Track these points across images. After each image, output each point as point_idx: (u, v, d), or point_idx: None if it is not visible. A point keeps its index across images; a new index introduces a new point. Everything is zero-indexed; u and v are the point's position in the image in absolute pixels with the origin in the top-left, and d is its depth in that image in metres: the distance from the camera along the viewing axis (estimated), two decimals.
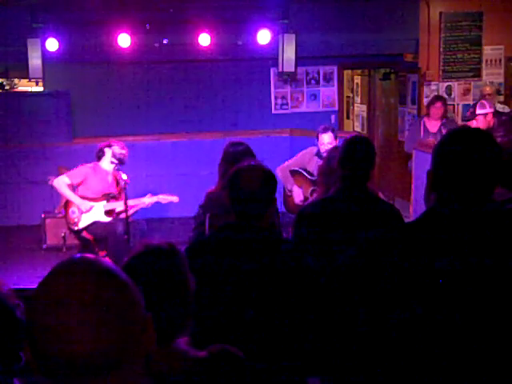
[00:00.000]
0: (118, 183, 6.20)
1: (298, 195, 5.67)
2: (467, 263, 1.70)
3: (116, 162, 6.03)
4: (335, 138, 5.58)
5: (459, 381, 1.71)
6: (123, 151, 6.04)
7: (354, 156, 3.11)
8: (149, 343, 1.12)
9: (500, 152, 1.78)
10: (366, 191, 3.14)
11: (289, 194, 5.79)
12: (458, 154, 1.77)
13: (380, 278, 1.76)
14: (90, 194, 6.03)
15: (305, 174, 5.73)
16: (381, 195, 3.56)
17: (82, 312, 1.03)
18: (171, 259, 1.75)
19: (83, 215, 6.02)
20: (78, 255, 1.12)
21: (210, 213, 3.96)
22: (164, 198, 6.12)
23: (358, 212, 3.03)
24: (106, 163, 6.08)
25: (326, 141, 5.52)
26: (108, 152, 6.04)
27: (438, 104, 7.38)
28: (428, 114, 7.52)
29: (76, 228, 6.09)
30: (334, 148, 4.36)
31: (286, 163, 5.86)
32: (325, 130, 5.57)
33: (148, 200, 6.08)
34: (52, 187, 6.16)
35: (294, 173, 5.79)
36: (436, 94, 8.22)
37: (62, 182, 6.02)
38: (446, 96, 8.28)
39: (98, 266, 1.09)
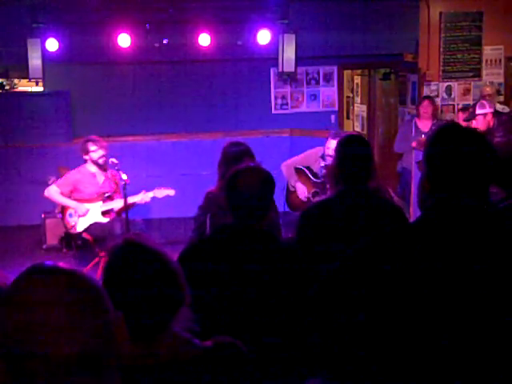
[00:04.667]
0: (111, 181, 6.20)
1: (303, 191, 5.64)
2: (465, 264, 1.70)
3: (96, 167, 6.07)
4: None
5: (459, 381, 1.71)
6: (101, 153, 6.03)
7: (350, 156, 3.09)
8: (121, 341, 1.16)
9: (491, 149, 1.78)
10: (367, 190, 3.12)
11: (292, 189, 5.77)
12: (445, 154, 1.76)
13: (378, 279, 1.76)
14: (84, 197, 6.05)
15: (308, 174, 5.72)
16: (391, 192, 3.53)
17: (54, 315, 1.05)
18: (148, 250, 1.75)
19: (80, 219, 6.03)
20: (47, 262, 1.15)
21: (211, 213, 3.94)
22: (160, 192, 6.11)
23: (361, 212, 3.01)
24: (90, 165, 6.13)
25: (333, 147, 5.47)
26: (87, 158, 6.10)
27: (425, 102, 7.49)
28: (418, 115, 7.57)
29: (74, 232, 6.09)
30: None
31: (291, 160, 5.82)
32: (335, 136, 5.51)
33: (143, 197, 6.06)
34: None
35: (297, 171, 5.77)
36: (436, 94, 8.23)
37: (53, 192, 6.07)
38: (445, 96, 8.29)
39: (66, 272, 1.12)
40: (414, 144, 7.19)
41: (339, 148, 3.18)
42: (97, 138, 6.14)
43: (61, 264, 1.14)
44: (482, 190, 1.76)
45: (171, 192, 6.11)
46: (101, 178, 6.16)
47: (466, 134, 1.81)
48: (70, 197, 6.06)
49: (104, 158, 6.05)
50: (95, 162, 6.06)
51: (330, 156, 5.38)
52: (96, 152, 6.05)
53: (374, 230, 1.91)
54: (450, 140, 1.79)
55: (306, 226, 3.14)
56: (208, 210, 4.00)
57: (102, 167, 6.11)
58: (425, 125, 7.45)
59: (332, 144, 5.50)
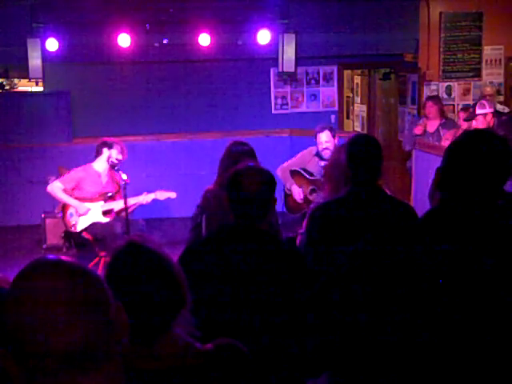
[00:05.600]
0: (114, 181, 6.19)
1: (298, 193, 5.70)
2: (473, 261, 1.70)
3: (107, 165, 6.03)
4: (333, 136, 5.61)
5: (462, 379, 1.71)
6: (119, 157, 6.00)
7: (361, 156, 3.04)
8: (122, 328, 1.17)
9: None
10: (377, 190, 3.10)
11: (288, 192, 5.82)
12: (472, 153, 1.79)
13: (384, 276, 1.76)
14: (86, 196, 6.03)
15: (304, 174, 5.75)
16: (388, 192, 3.52)
17: (57, 308, 1.06)
18: (150, 252, 1.75)
19: (81, 218, 6.02)
20: (49, 255, 1.16)
21: (208, 213, 3.94)
22: (162, 194, 6.11)
23: (372, 212, 2.98)
24: (99, 164, 6.06)
25: (324, 139, 5.56)
26: (105, 153, 6.03)
27: (428, 103, 7.44)
28: (425, 116, 7.56)
29: (74, 231, 6.09)
30: (340, 146, 4.33)
31: (286, 163, 5.89)
32: (322, 129, 5.62)
33: (144, 198, 6.05)
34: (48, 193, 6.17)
35: (293, 173, 5.81)
36: (436, 94, 8.22)
37: (55, 187, 6.02)
38: (445, 96, 8.29)
39: (68, 264, 1.13)
40: (416, 131, 7.20)
41: (350, 148, 3.12)
42: (125, 149, 6.11)
43: (63, 258, 1.15)
44: (494, 190, 1.78)
45: (173, 195, 6.12)
46: (105, 178, 6.15)
47: (491, 138, 1.85)
48: (71, 195, 6.05)
49: (116, 164, 5.99)
50: (108, 160, 6.01)
51: (327, 149, 5.45)
52: (118, 153, 6.00)
53: (376, 232, 1.92)
54: (475, 140, 1.83)
55: (314, 226, 3.11)
56: (205, 209, 3.99)
57: (111, 167, 6.07)
58: (431, 125, 7.42)
59: (323, 137, 5.57)
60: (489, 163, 1.77)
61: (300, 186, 5.73)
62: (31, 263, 1.13)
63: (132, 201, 5.93)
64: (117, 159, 5.98)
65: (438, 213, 1.80)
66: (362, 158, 3.03)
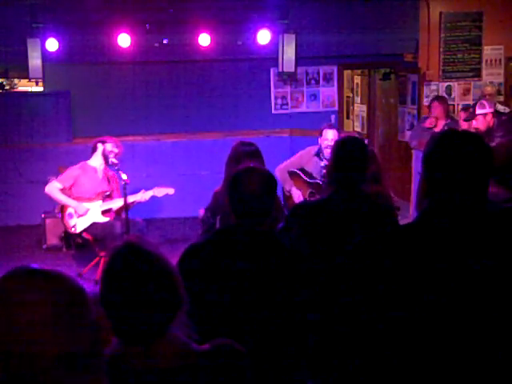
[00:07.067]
0: (109, 180, 6.20)
1: (298, 197, 5.66)
2: (464, 265, 1.70)
3: (103, 159, 6.04)
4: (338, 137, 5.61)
5: (458, 381, 1.71)
6: (115, 150, 6.01)
7: (345, 158, 3.10)
8: (104, 332, 1.22)
9: (489, 151, 1.79)
10: (360, 193, 3.12)
11: (287, 194, 5.79)
12: (444, 157, 1.77)
13: (376, 279, 1.76)
14: (84, 194, 6.03)
15: (302, 176, 5.72)
16: (392, 197, 3.54)
17: (36, 316, 1.08)
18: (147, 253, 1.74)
19: (80, 218, 6.02)
20: (29, 264, 1.18)
21: (221, 214, 3.89)
22: (159, 191, 6.10)
23: (349, 215, 3.01)
24: (95, 159, 6.09)
25: (330, 137, 5.53)
26: (99, 148, 6.06)
27: (433, 104, 7.39)
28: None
29: (74, 231, 6.08)
30: None
31: (284, 164, 5.84)
32: (330, 126, 5.69)
33: (142, 195, 6.05)
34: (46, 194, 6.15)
35: (291, 174, 5.78)
36: (436, 94, 8.22)
37: (53, 188, 6.01)
38: (445, 96, 8.27)
39: (44, 272, 1.15)
40: (427, 124, 7.19)
41: (334, 149, 3.21)
42: (120, 144, 6.13)
43: (41, 266, 1.16)
44: (478, 191, 1.77)
45: (171, 191, 6.11)
46: (100, 174, 6.16)
47: (463, 137, 1.82)
48: (70, 195, 6.04)
49: (113, 157, 5.99)
50: (105, 155, 6.02)
51: (329, 147, 5.42)
52: (113, 147, 6.02)
53: (361, 233, 1.92)
54: (447, 142, 1.81)
55: (292, 224, 3.13)
56: (216, 210, 3.95)
57: (108, 163, 6.07)
58: (437, 125, 7.39)
59: (329, 134, 5.55)
60: (460, 161, 1.75)
61: (298, 189, 5.70)
62: (8, 273, 1.14)
63: (130, 199, 5.92)
64: (112, 151, 5.99)
65: (428, 217, 1.79)
66: (345, 161, 3.08)
